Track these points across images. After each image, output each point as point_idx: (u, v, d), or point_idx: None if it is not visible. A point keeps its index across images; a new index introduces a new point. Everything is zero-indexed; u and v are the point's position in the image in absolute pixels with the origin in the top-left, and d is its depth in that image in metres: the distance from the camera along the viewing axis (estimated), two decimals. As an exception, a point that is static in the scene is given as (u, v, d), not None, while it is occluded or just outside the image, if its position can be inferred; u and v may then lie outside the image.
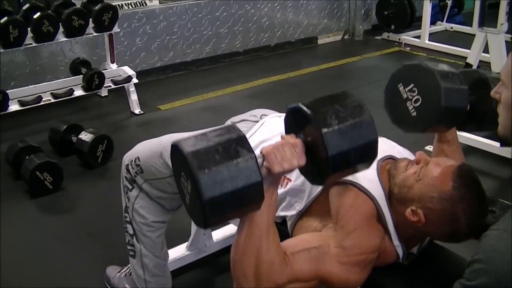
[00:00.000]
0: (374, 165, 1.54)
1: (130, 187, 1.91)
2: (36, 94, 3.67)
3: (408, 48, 5.78)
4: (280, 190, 1.67)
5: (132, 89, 4.10)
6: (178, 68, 4.94)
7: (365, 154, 1.30)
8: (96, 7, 3.77)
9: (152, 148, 1.86)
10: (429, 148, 3.37)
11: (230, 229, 2.40)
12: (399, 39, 5.94)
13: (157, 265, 1.99)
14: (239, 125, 1.52)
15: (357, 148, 1.26)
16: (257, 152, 1.24)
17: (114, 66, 4.16)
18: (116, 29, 3.98)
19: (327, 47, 5.99)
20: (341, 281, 1.41)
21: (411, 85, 1.65)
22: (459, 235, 1.41)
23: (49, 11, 3.60)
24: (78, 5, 3.77)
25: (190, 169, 1.14)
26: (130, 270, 2.08)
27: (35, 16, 3.46)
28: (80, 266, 2.40)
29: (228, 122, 1.89)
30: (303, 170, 1.36)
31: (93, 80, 3.83)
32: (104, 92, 4.31)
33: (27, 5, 3.57)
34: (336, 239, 1.42)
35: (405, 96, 1.66)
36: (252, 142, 1.60)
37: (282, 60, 5.40)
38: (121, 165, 1.94)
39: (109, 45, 4.11)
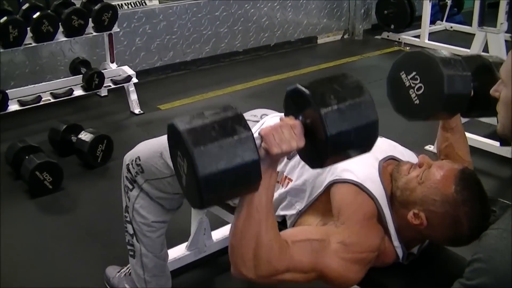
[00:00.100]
0: (376, 165, 1.55)
1: (130, 187, 1.91)
2: (36, 94, 3.67)
3: (408, 48, 5.77)
4: (281, 190, 1.67)
5: (132, 88, 4.10)
6: (178, 68, 4.94)
7: (365, 135, 1.26)
8: (96, 7, 3.76)
9: (152, 148, 1.87)
10: (429, 147, 3.37)
11: (229, 229, 2.39)
12: (399, 39, 5.94)
13: (157, 265, 1.99)
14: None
15: (357, 128, 1.22)
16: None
17: (113, 65, 4.15)
18: (115, 28, 3.97)
19: (327, 47, 5.99)
20: (339, 277, 1.40)
21: (413, 73, 1.63)
22: (462, 238, 1.41)
23: (49, 11, 3.59)
24: (78, 5, 3.77)
25: (186, 146, 1.12)
26: (129, 270, 2.08)
27: (34, 16, 3.46)
28: (79, 266, 2.40)
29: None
30: (303, 154, 1.33)
31: (93, 80, 3.83)
32: (103, 92, 4.31)
33: (26, 5, 3.57)
34: (337, 235, 1.41)
35: (407, 84, 1.64)
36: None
37: (281, 60, 5.40)
38: (121, 165, 1.94)
39: (108, 45, 4.11)
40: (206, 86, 4.60)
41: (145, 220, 1.92)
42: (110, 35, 4.05)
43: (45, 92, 3.71)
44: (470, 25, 5.56)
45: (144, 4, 4.68)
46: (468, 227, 1.37)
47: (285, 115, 1.31)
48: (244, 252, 1.30)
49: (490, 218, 1.41)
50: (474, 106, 1.70)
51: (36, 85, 3.79)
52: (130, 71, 4.11)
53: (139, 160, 1.87)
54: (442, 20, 6.43)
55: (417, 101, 1.63)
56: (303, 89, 1.24)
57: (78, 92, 3.85)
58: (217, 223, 2.40)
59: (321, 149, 1.23)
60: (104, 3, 3.84)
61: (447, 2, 6.34)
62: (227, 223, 2.19)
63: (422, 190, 1.42)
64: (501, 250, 1.12)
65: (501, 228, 1.16)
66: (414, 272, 1.56)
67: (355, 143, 1.24)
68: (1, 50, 3.41)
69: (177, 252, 2.32)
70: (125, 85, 4.07)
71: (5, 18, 3.30)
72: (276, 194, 1.64)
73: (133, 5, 4.61)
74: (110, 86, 4.01)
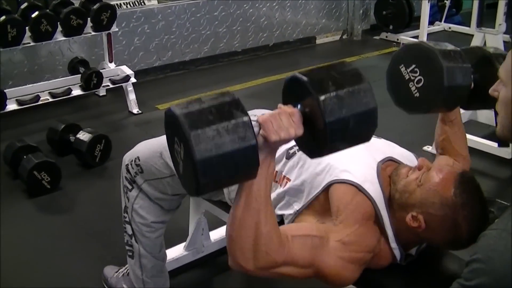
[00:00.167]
0: (374, 166, 1.54)
1: (129, 187, 1.91)
2: (34, 93, 3.66)
3: (406, 48, 5.77)
4: (279, 190, 1.66)
5: (130, 88, 4.09)
6: (176, 68, 4.94)
7: (364, 123, 1.23)
8: (95, 6, 3.76)
9: (152, 148, 1.86)
10: (427, 148, 3.37)
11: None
12: (398, 39, 5.93)
13: (155, 265, 1.99)
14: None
15: (356, 115, 1.20)
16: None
17: (112, 65, 4.15)
18: (114, 28, 3.96)
19: (326, 47, 5.99)
20: (335, 275, 1.40)
21: (413, 66, 1.62)
22: (460, 242, 1.41)
23: (48, 10, 3.59)
24: (77, 4, 3.76)
25: (183, 129, 1.11)
26: (127, 270, 2.08)
27: (33, 15, 3.46)
28: (77, 266, 2.39)
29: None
30: (302, 144, 1.31)
31: (91, 79, 3.82)
32: (102, 92, 4.30)
33: (25, 4, 3.56)
34: (336, 234, 1.41)
35: (407, 77, 1.63)
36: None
37: (280, 60, 5.40)
38: (120, 165, 1.94)
39: (107, 45, 4.10)
40: (204, 86, 4.59)
41: (144, 221, 1.92)
42: (108, 35, 4.05)
43: (43, 91, 3.71)
44: (469, 26, 5.54)
45: (143, 3, 4.67)
46: (466, 230, 1.37)
47: (283, 103, 1.29)
48: (243, 243, 1.29)
49: (488, 221, 1.41)
50: (474, 98, 1.68)
51: (35, 84, 3.79)
52: (129, 71, 4.10)
53: (139, 160, 1.87)
54: (440, 21, 6.43)
55: (417, 94, 1.61)
56: (301, 76, 1.22)
57: (77, 91, 3.84)
58: (215, 223, 2.40)
59: (320, 137, 1.21)
60: (103, 2, 3.84)
61: (445, 2, 6.35)
62: (225, 223, 2.18)
63: (421, 192, 1.42)
64: (500, 250, 1.12)
65: (499, 229, 1.16)
66: (413, 272, 1.56)
67: (354, 131, 1.22)
68: (0, 50, 3.41)
69: (175, 252, 2.32)
70: (124, 84, 4.06)
71: (3, 17, 3.29)
72: (274, 194, 1.64)
73: (131, 5, 4.61)
74: (108, 85, 4.01)
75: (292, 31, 5.71)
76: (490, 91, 1.29)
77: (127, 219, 1.94)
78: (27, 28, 3.44)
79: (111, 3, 3.95)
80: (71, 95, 3.82)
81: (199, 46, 5.00)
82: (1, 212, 2.75)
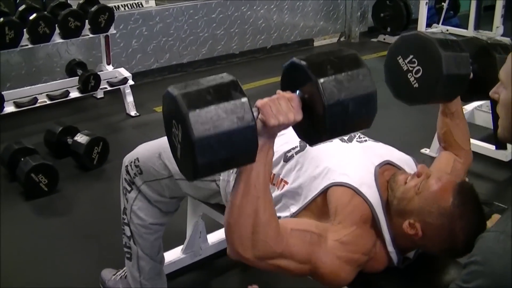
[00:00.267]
0: (372, 170, 1.54)
1: (129, 188, 1.91)
2: (32, 95, 3.66)
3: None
4: (277, 192, 1.66)
5: (128, 90, 4.09)
6: (174, 70, 4.93)
7: (363, 107, 1.22)
8: (92, 9, 3.76)
9: (151, 149, 1.87)
10: (425, 151, 3.37)
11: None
12: (395, 42, 5.94)
13: (153, 268, 1.99)
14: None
15: (355, 99, 1.19)
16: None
17: (110, 67, 4.15)
18: (112, 30, 3.97)
19: (323, 49, 5.99)
20: (331, 274, 1.39)
21: (411, 56, 1.60)
22: (456, 251, 1.40)
23: (45, 12, 3.59)
24: (74, 7, 3.77)
25: (180, 109, 1.10)
26: (125, 273, 2.07)
27: (31, 17, 3.46)
28: (75, 268, 2.39)
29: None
30: (301, 132, 1.30)
31: (89, 81, 3.82)
32: (100, 94, 4.30)
33: (23, 6, 3.57)
34: (334, 233, 1.41)
35: (405, 68, 1.61)
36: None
37: (278, 62, 5.33)
38: (118, 167, 1.95)
39: (105, 47, 4.10)
40: (202, 88, 4.59)
41: (143, 222, 1.92)
42: (106, 37, 4.05)
43: (41, 93, 3.71)
44: (466, 28, 5.58)
45: (140, 6, 4.68)
46: (463, 241, 1.35)
47: (282, 90, 1.28)
48: (242, 231, 1.28)
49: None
50: (474, 88, 1.66)
51: (32, 86, 3.79)
52: (126, 73, 4.10)
53: (138, 161, 1.87)
54: (438, 23, 6.43)
55: (416, 85, 1.60)
56: (300, 61, 1.22)
57: (74, 94, 3.84)
58: (213, 226, 2.39)
59: (319, 122, 1.20)
60: (101, 5, 3.84)
61: (443, 5, 6.35)
62: (222, 226, 2.18)
63: (419, 200, 1.41)
64: (498, 252, 1.12)
65: (498, 231, 1.15)
66: (411, 275, 1.55)
67: (354, 116, 1.21)
68: (-2, 52, 3.42)
69: (173, 255, 2.32)
70: (121, 87, 4.06)
71: (1, 19, 3.29)
72: (271, 196, 1.63)
73: (129, 7, 4.62)
74: (106, 88, 4.01)
75: (290, 33, 5.72)
76: (490, 93, 1.29)
77: (126, 221, 1.94)
78: (25, 30, 3.44)
79: (109, 5, 3.95)
80: (68, 97, 3.82)
81: (197, 48, 5.00)
82: (-2, 214, 2.75)
